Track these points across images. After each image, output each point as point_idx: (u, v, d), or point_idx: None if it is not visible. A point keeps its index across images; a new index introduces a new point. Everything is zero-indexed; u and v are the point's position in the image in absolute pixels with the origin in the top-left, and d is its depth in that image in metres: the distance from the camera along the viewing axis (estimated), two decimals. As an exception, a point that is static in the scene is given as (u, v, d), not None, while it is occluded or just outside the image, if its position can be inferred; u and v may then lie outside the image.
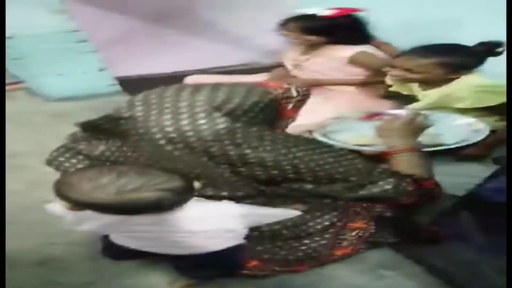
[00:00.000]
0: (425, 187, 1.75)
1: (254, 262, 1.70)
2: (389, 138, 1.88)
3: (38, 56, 4.20)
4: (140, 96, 1.69)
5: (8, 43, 3.98)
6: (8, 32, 3.90)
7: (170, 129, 1.56)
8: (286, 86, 1.82)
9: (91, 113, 3.43)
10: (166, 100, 1.63)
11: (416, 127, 1.91)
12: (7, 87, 4.34)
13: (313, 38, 3.44)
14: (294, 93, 1.81)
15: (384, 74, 3.04)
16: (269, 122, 1.72)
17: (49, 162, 1.78)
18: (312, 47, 3.53)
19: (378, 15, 3.37)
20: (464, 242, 1.81)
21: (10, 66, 4.40)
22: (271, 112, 1.72)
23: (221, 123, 1.58)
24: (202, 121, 1.57)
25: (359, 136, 2.04)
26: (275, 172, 1.61)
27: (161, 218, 1.59)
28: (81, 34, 4.16)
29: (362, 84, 3.45)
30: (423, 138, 1.92)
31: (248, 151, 1.58)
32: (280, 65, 3.86)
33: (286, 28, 3.48)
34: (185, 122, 1.57)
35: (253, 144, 1.58)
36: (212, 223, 1.62)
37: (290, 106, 1.80)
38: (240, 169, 1.60)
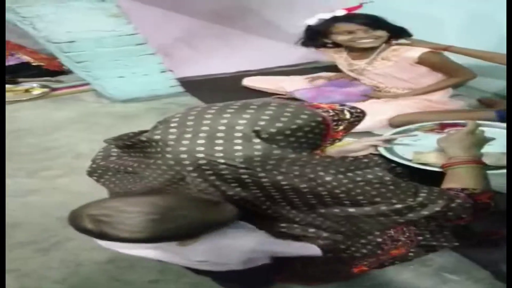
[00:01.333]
0: (481, 201, 1.61)
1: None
2: (450, 149, 1.76)
3: (99, 59, 4.28)
4: (177, 117, 1.65)
5: (71, 47, 4.11)
6: (70, 37, 4.05)
7: (201, 155, 1.53)
8: (339, 107, 1.80)
9: (155, 114, 3.59)
10: (204, 121, 1.60)
11: (479, 138, 1.79)
12: (74, 89, 4.52)
13: (382, 33, 3.43)
14: (348, 115, 1.79)
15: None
16: (312, 145, 1.67)
17: (90, 173, 1.83)
18: (366, 49, 3.52)
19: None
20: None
21: (75, 69, 4.53)
22: (316, 135, 1.67)
23: (257, 149, 1.53)
24: (238, 147, 1.53)
25: (422, 152, 1.89)
26: (310, 196, 1.57)
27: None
28: (139, 36, 4.22)
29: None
30: (486, 158, 1.76)
31: (280, 177, 1.53)
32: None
33: (334, 28, 3.51)
34: (219, 147, 1.53)
35: (282, 170, 1.54)
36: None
37: (341, 128, 1.77)
38: (274, 194, 1.56)
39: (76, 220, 1.48)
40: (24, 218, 2.37)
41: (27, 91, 4.55)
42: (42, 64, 5.08)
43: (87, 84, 4.51)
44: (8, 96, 4.30)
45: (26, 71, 5.00)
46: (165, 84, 4.40)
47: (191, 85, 4.36)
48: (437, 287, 1.77)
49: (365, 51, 3.54)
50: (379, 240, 1.61)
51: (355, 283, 1.78)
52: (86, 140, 3.22)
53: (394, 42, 3.47)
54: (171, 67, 4.56)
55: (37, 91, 4.54)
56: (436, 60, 3.35)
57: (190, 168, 1.53)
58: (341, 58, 3.74)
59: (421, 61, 3.35)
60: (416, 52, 3.36)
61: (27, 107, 4.13)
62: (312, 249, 1.62)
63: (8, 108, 4.02)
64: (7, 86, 4.45)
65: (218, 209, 1.53)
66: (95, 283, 1.87)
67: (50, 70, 5.04)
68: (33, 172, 2.86)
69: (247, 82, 4.18)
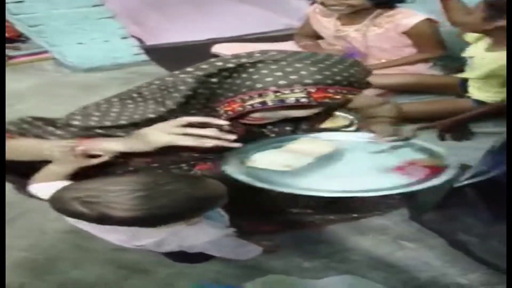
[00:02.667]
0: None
1: None
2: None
3: (53, 22, 4.41)
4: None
5: (20, 8, 4.19)
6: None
7: None
8: None
9: (118, 84, 3.69)
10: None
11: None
12: (33, 57, 4.62)
13: (357, 1, 3.52)
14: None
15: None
16: None
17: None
18: (357, 14, 3.59)
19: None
20: (474, 217, 1.99)
21: (30, 34, 4.61)
22: None
23: None
24: None
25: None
26: None
27: None
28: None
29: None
30: None
31: None
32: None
33: None
34: None
35: None
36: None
37: None
38: None
39: (63, 206, 1.60)
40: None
41: None
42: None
43: (47, 51, 4.58)
44: None
45: None
46: (127, 51, 4.49)
47: (158, 53, 4.43)
48: (394, 253, 1.98)
49: (356, 16, 3.60)
50: None
51: (316, 252, 1.98)
52: (48, 112, 3.35)
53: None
54: (138, 33, 4.65)
55: None
56: (429, 31, 3.49)
57: None
58: (329, 23, 3.76)
59: (413, 31, 3.48)
60: (414, 19, 3.47)
61: None
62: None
63: None
64: None
65: (206, 184, 1.72)
66: (60, 250, 2.02)
67: (7, 36, 5.14)
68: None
69: (218, 49, 4.09)
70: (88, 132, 1.87)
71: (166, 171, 1.96)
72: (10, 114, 3.31)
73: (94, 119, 1.90)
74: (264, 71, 1.81)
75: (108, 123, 1.88)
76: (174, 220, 1.73)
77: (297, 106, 1.86)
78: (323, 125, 2.28)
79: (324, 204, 2.13)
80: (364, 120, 2.24)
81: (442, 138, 2.71)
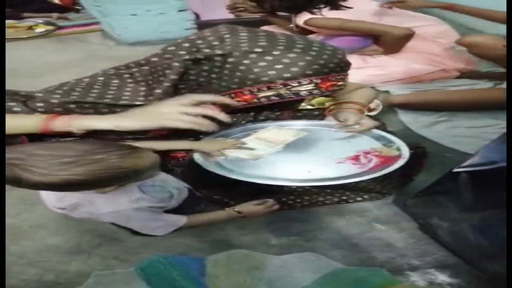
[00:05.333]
0: None
1: None
2: None
3: None
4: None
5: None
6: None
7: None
8: None
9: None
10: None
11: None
12: (81, 28, 5.12)
13: None
14: None
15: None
16: None
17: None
18: None
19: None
20: (453, 203, 2.26)
21: (87, 3, 5.09)
22: None
23: None
24: None
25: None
26: None
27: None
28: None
29: None
30: None
31: None
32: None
33: None
34: None
35: None
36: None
37: None
38: None
39: None
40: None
41: (30, 28, 5.19)
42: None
43: (96, 23, 5.10)
44: (9, 32, 4.97)
45: (35, 3, 5.69)
46: (179, 25, 4.92)
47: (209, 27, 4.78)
48: (363, 234, 2.29)
49: None
50: None
51: (287, 230, 2.33)
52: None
53: None
54: (197, 7, 5.00)
55: (40, 29, 5.17)
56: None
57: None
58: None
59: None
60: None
61: (27, 46, 4.78)
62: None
63: (7, 46, 4.68)
64: (9, 21, 5.12)
65: (138, 155, 1.94)
66: (46, 219, 2.44)
67: (61, 4, 5.68)
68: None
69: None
70: (65, 107, 2.12)
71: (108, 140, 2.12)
72: (35, 85, 3.84)
73: (75, 94, 2.17)
74: (262, 63, 2.09)
75: (90, 99, 2.14)
76: (84, 188, 2.02)
77: None
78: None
79: (311, 188, 2.47)
80: (335, 106, 2.48)
81: None
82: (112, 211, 2.26)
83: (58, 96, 2.13)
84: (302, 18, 4.09)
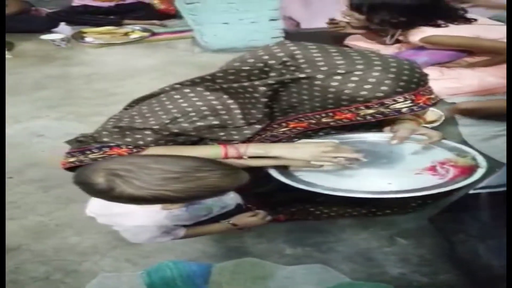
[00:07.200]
0: None
1: None
2: None
3: (212, 1, 4.92)
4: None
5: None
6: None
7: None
8: None
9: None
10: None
11: None
12: (174, 35, 5.20)
13: None
14: None
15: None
16: None
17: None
18: None
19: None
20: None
21: (183, 10, 5.17)
22: None
23: None
24: None
25: None
26: None
27: None
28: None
29: None
30: None
31: None
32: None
33: None
34: None
35: None
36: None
37: None
38: None
39: (88, 175, 1.83)
40: (43, 158, 3.05)
41: (125, 34, 5.35)
42: (155, 2, 5.89)
43: (188, 30, 5.19)
44: (105, 38, 5.19)
45: (137, 11, 5.91)
46: (267, 34, 4.92)
47: (294, 39, 4.72)
48: (381, 248, 2.19)
49: None
50: None
51: (303, 240, 2.24)
52: (151, 89, 3.83)
53: None
54: (300, 15, 5.00)
55: (135, 35, 5.33)
56: None
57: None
58: None
59: None
60: None
61: (117, 51, 4.93)
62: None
63: (99, 51, 4.88)
64: (107, 28, 5.41)
65: (235, 176, 1.95)
66: (71, 219, 2.47)
67: (161, 12, 5.82)
68: (84, 116, 3.55)
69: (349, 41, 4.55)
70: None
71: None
72: (116, 88, 3.94)
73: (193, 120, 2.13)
74: (351, 84, 2.02)
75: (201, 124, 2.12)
76: (166, 202, 2.08)
77: None
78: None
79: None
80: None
81: None
82: (136, 225, 2.24)
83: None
84: (418, 35, 3.92)
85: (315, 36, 4.71)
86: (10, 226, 2.39)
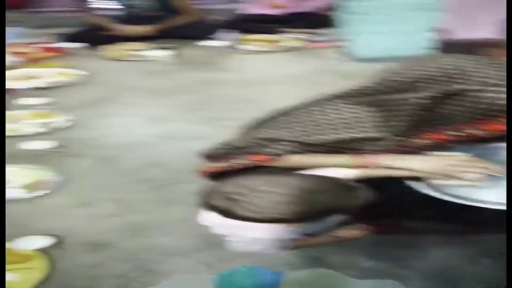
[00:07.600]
0: None
1: None
2: None
3: (372, 11, 4.96)
4: None
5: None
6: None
7: None
8: None
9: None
10: None
11: None
12: (328, 44, 5.20)
13: None
14: None
15: None
16: None
17: None
18: None
19: None
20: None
21: (340, 21, 5.18)
22: None
23: None
24: None
25: None
26: None
27: None
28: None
29: None
30: None
31: None
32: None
33: None
34: None
35: None
36: None
37: None
38: None
39: (209, 196, 1.97)
40: (166, 158, 3.13)
41: (277, 42, 5.45)
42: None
43: (337, 40, 5.23)
44: (259, 46, 5.32)
45: (303, 21, 5.96)
46: (418, 44, 4.82)
47: (448, 49, 4.61)
48: (462, 267, 2.08)
49: None
50: None
51: (385, 255, 2.18)
52: (285, 97, 3.81)
53: None
54: (458, 26, 4.87)
55: (289, 43, 5.42)
56: None
57: None
58: None
59: None
60: None
61: (265, 58, 5.06)
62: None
63: (251, 58, 5.08)
64: (261, 36, 5.52)
65: (354, 195, 1.98)
66: (166, 219, 2.52)
67: (323, 20, 5.87)
68: (210, 120, 3.63)
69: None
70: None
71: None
72: (255, 95, 3.98)
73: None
74: (503, 95, 1.98)
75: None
76: (283, 223, 2.01)
77: None
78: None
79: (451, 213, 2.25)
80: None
81: None
82: (253, 238, 2.17)
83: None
84: None
85: (467, 47, 4.63)
86: (108, 223, 2.50)
